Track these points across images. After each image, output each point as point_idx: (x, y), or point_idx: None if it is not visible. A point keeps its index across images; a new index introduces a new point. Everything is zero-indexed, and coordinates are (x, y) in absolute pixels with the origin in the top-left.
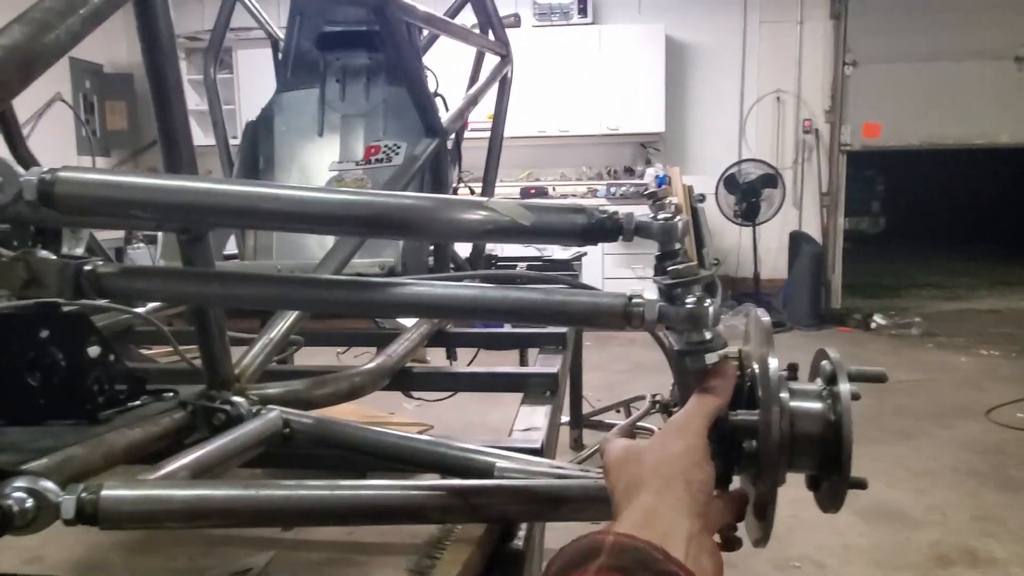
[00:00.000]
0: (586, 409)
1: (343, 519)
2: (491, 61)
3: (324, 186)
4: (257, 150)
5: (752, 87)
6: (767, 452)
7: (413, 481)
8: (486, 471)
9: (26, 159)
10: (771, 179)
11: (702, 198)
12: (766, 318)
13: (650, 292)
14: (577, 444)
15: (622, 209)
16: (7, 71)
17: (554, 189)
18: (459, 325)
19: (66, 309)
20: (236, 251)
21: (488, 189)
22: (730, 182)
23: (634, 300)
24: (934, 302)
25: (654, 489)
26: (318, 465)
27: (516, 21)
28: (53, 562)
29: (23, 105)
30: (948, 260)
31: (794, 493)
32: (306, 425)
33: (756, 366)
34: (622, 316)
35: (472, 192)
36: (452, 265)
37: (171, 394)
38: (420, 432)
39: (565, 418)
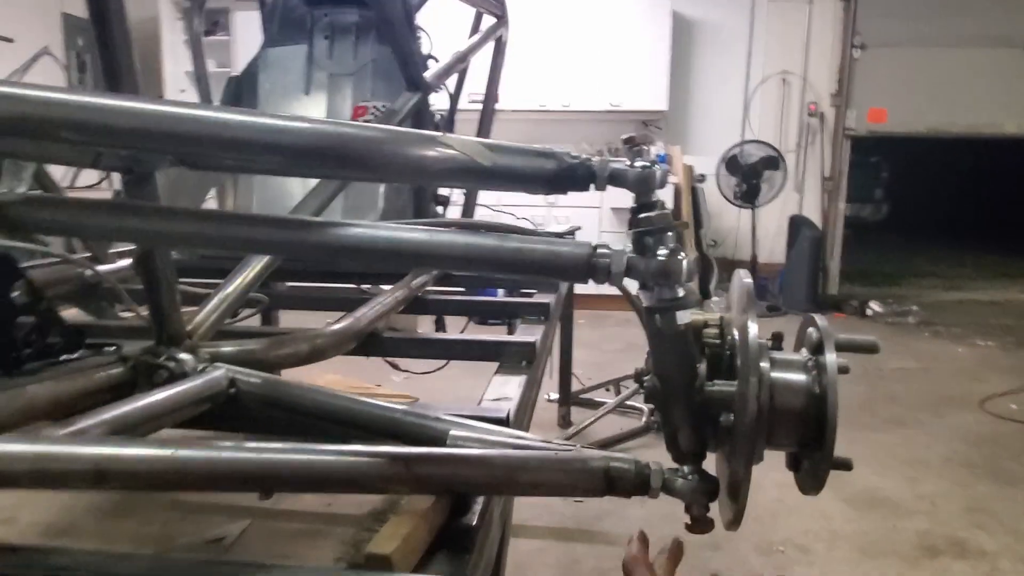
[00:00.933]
0: (575, 387)
1: (268, 485)
2: (489, 25)
3: (278, 115)
4: (239, 107)
5: (758, 67)
6: (742, 425)
7: (352, 447)
8: (439, 439)
9: None
10: (773, 161)
11: (702, 179)
12: (748, 279)
13: (615, 244)
14: (565, 421)
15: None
16: None
17: None
18: (440, 291)
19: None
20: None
21: None
22: (732, 163)
23: (599, 250)
24: (933, 291)
25: None
26: (265, 429)
27: None
28: (25, 523)
29: (8, 58)
30: (950, 250)
31: (779, 476)
32: (253, 385)
33: (736, 333)
34: (585, 267)
35: None
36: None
37: (112, 348)
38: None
39: (554, 395)
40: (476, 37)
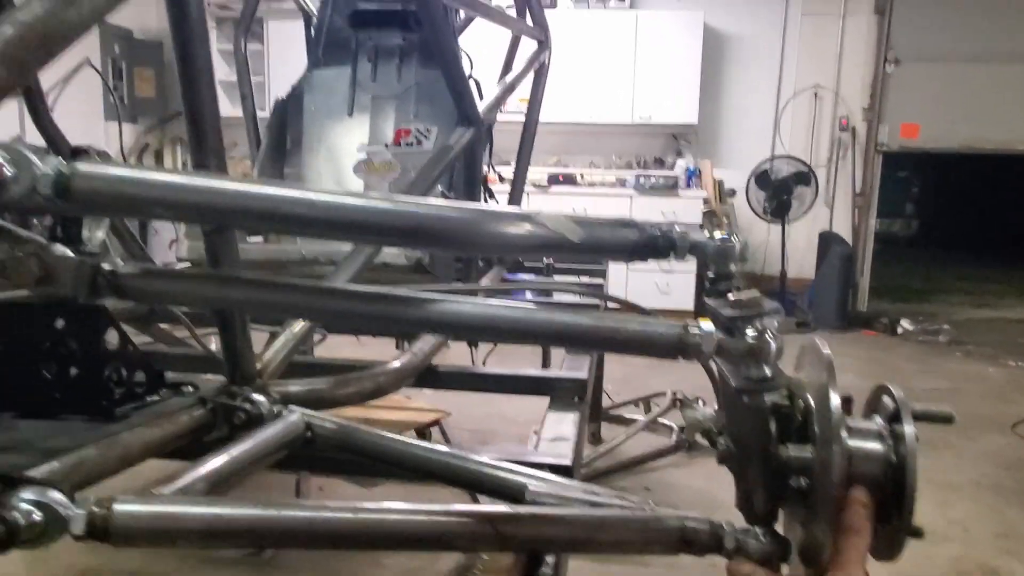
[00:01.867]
0: (605, 403)
1: (366, 543)
2: (527, 45)
3: (354, 170)
4: (285, 129)
5: (790, 81)
6: (824, 493)
7: (441, 506)
8: (517, 493)
9: (50, 133)
10: (804, 176)
11: (732, 193)
12: (826, 349)
13: (706, 323)
14: (595, 438)
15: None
16: (26, 49)
17: (582, 177)
18: None
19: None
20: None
21: (520, 176)
22: (762, 178)
23: (691, 330)
24: (963, 309)
25: None
26: (339, 470)
27: (552, 2)
28: None
29: (50, 69)
30: (980, 267)
31: None
32: (329, 430)
33: (811, 398)
34: (676, 346)
35: (501, 178)
36: (480, 260)
37: (191, 388)
38: (437, 419)
39: None
40: (521, 66)
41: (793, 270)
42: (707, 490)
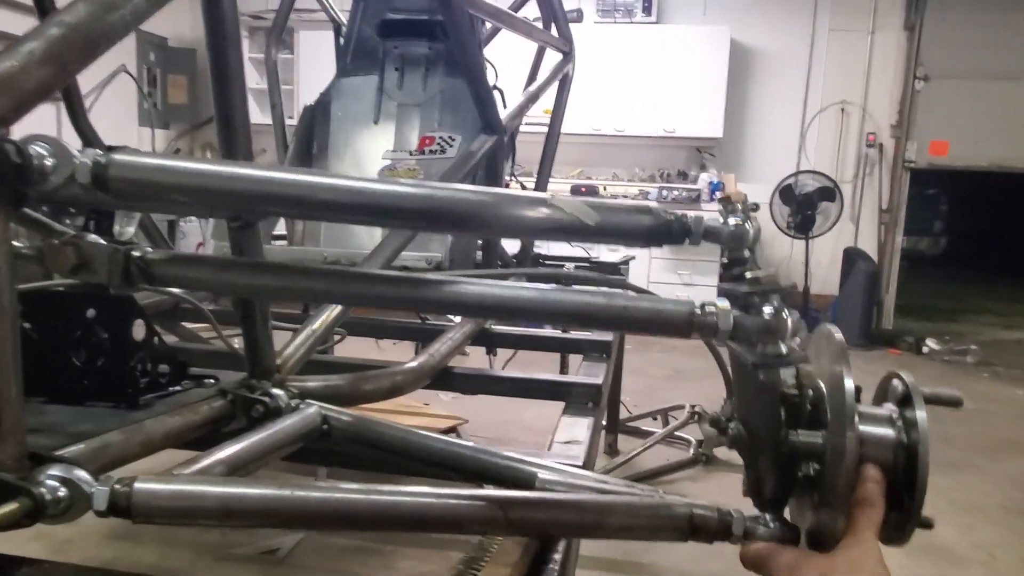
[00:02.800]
0: (623, 414)
1: (380, 525)
2: (551, 56)
3: (378, 176)
4: (312, 134)
5: (816, 96)
6: (835, 479)
7: (453, 490)
8: (528, 482)
9: (87, 133)
10: (829, 192)
11: (755, 207)
12: (838, 334)
13: (722, 301)
14: (612, 449)
15: (689, 213)
16: (69, 50)
17: (605, 189)
18: (503, 324)
19: (114, 291)
20: (284, 232)
21: (542, 186)
22: (786, 193)
23: (706, 308)
24: (992, 329)
25: None
26: (355, 464)
27: (579, 16)
28: (85, 524)
29: (89, 74)
30: (1009, 287)
31: None
32: (345, 423)
33: (823, 384)
34: (688, 324)
35: (523, 187)
36: (499, 262)
37: (212, 381)
38: (454, 425)
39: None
40: (545, 76)
41: (816, 286)
42: (724, 505)
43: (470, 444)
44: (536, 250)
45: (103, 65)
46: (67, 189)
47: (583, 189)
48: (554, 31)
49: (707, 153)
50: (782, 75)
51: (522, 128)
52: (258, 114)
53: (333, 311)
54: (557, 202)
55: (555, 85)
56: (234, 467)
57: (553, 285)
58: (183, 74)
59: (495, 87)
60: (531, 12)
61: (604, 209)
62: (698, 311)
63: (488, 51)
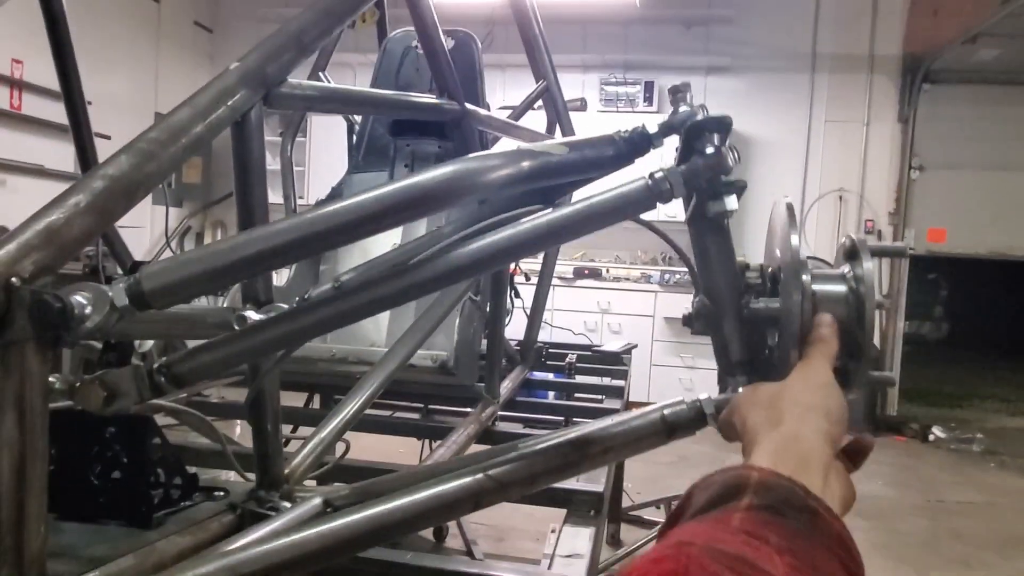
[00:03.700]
0: (625, 502)
1: (382, 537)
2: None
3: (365, 189)
4: None
5: (814, 184)
6: (790, 331)
7: (437, 476)
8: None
9: (122, 257)
10: None
11: None
12: (785, 203)
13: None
14: (614, 540)
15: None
16: (111, 199)
17: (607, 271)
18: (506, 419)
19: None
20: None
21: (547, 272)
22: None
23: (656, 175)
24: (997, 416)
25: (795, 417)
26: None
27: (583, 105)
28: None
29: (105, 153)
30: (1013, 373)
31: None
32: (346, 498)
33: (778, 252)
34: (648, 195)
35: (528, 278)
36: (504, 359)
37: (221, 494)
38: None
39: None
40: None
41: None
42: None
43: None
44: (540, 345)
45: (118, 144)
46: (107, 324)
47: (586, 271)
48: (558, 132)
49: None
50: (781, 163)
51: None
52: (271, 194)
53: (343, 417)
54: (530, 146)
55: None
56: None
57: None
58: (198, 155)
59: None
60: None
61: (573, 143)
62: (651, 181)
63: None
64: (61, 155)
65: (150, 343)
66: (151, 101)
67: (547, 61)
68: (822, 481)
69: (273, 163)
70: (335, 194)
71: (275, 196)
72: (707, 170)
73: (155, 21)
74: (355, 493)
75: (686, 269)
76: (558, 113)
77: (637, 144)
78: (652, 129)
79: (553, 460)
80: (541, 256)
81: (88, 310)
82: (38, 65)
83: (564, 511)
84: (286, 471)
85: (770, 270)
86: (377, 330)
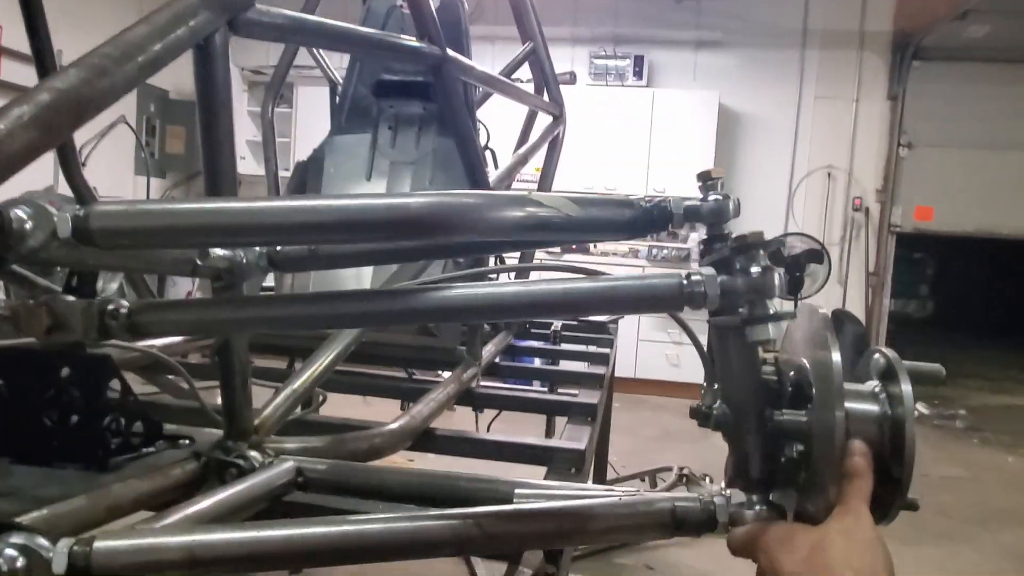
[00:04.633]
0: (610, 475)
1: (352, 558)
2: (542, 119)
3: (361, 194)
4: (304, 189)
5: (803, 161)
6: (824, 452)
7: (423, 511)
8: (506, 500)
9: (79, 187)
10: (816, 254)
11: None
12: (822, 309)
13: (706, 268)
14: None
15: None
16: (58, 115)
17: (595, 247)
18: (488, 383)
19: (90, 350)
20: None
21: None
22: (775, 255)
23: (692, 277)
24: (980, 394)
25: None
26: (333, 514)
27: (572, 79)
28: None
29: (88, 124)
30: (997, 351)
31: None
32: (320, 471)
33: (806, 363)
34: (679, 296)
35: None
36: (487, 326)
37: (187, 442)
38: None
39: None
40: (535, 138)
41: None
42: (713, 573)
43: (448, 473)
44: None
45: (104, 115)
46: (50, 248)
47: (572, 248)
48: (545, 96)
49: None
50: (770, 139)
51: (513, 186)
52: (253, 165)
53: (315, 370)
54: (538, 197)
55: (545, 146)
56: (201, 523)
57: (534, 282)
58: (181, 125)
59: (487, 148)
60: (524, 73)
61: (586, 203)
62: (686, 281)
63: (481, 112)
64: None
65: (114, 286)
66: None
67: (535, 23)
68: None
69: (258, 135)
70: (317, 156)
71: (260, 168)
72: (751, 292)
73: None
74: (331, 469)
75: (673, 245)
76: (545, 76)
77: (655, 219)
78: (675, 208)
79: (548, 524)
80: None
81: (29, 226)
82: (18, 30)
83: (544, 468)
84: (256, 422)
85: (792, 374)
86: (359, 286)
